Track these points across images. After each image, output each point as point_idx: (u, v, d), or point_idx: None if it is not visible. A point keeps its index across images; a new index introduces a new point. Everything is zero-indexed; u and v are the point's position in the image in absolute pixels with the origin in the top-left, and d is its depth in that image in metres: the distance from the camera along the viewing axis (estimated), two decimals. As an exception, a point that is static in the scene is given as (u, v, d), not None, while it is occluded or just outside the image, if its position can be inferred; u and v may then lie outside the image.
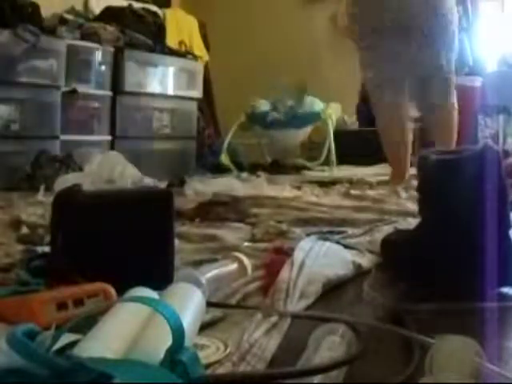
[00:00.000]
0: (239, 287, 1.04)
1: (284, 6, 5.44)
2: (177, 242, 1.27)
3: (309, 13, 5.36)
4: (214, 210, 1.96)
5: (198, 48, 4.91)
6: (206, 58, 5.00)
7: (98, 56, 3.78)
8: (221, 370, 0.68)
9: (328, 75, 5.21)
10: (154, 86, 4.17)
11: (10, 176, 3.14)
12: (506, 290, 1.05)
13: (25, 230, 1.70)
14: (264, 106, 4.37)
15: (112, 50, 3.84)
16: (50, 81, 3.45)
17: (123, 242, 1.02)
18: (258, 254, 1.31)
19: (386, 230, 1.55)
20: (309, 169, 4.39)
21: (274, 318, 0.86)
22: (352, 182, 3.18)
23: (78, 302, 0.83)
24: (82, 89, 3.62)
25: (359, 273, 1.20)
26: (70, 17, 3.87)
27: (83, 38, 3.74)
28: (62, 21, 3.74)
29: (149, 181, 2.84)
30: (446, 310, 0.94)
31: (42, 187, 2.66)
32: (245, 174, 3.75)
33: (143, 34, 4.16)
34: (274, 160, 4.58)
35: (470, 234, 1.04)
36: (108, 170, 2.67)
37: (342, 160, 4.22)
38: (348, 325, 0.73)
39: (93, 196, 1.12)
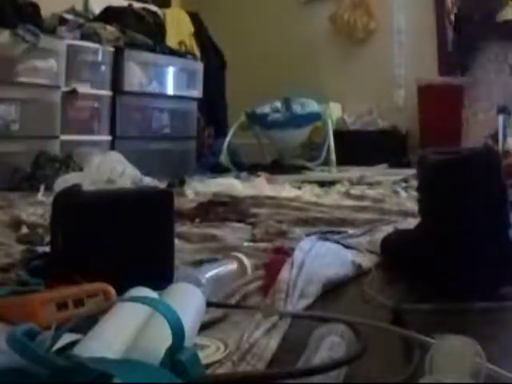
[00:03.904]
0: (239, 287, 1.04)
1: (284, 6, 5.44)
2: (177, 241, 1.27)
3: (309, 13, 5.36)
4: (214, 210, 1.96)
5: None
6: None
7: (98, 56, 3.78)
8: (221, 370, 0.68)
9: (328, 75, 5.21)
10: (153, 86, 4.17)
11: (10, 176, 3.14)
12: (506, 289, 1.05)
13: (25, 229, 1.70)
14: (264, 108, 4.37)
15: (112, 49, 3.84)
16: (49, 81, 3.45)
17: (123, 242, 1.02)
18: (258, 254, 1.31)
19: (386, 230, 1.55)
20: (309, 169, 4.39)
21: (273, 318, 0.86)
22: (352, 182, 3.18)
23: (78, 302, 0.83)
24: (81, 89, 3.62)
25: (359, 273, 1.20)
26: (70, 17, 3.87)
27: (83, 38, 3.74)
28: (62, 21, 3.74)
29: (149, 181, 2.84)
30: (445, 310, 0.94)
31: (42, 187, 2.66)
32: (244, 174, 3.75)
33: (143, 33, 4.16)
34: (274, 160, 4.58)
35: (470, 234, 1.04)
36: (108, 170, 2.67)
37: (342, 160, 4.23)
38: (348, 325, 0.73)
39: (93, 196, 1.12)
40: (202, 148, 4.63)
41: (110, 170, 2.67)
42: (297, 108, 4.33)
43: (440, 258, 1.07)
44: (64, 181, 2.33)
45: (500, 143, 4.36)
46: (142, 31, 4.18)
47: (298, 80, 4.98)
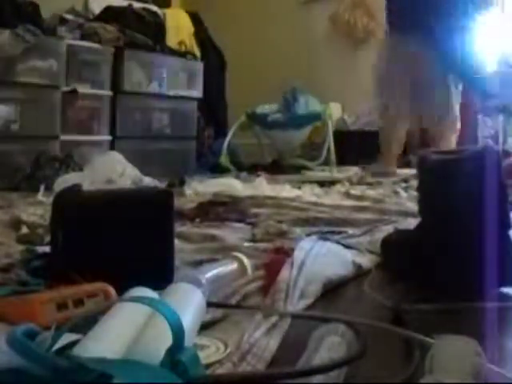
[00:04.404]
0: (239, 287, 1.04)
1: (284, 6, 5.44)
2: (177, 241, 1.27)
3: (309, 13, 5.36)
4: (214, 210, 1.96)
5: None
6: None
7: (98, 56, 3.78)
8: (221, 370, 0.68)
9: (328, 75, 5.21)
10: (153, 86, 4.17)
11: (10, 176, 3.14)
12: (506, 290, 1.05)
13: (25, 229, 1.70)
14: (264, 108, 4.37)
15: (112, 49, 3.84)
16: (49, 81, 3.45)
17: (123, 242, 1.02)
18: (257, 254, 1.31)
19: (386, 230, 1.55)
20: (309, 169, 4.38)
21: (274, 318, 0.86)
22: (352, 182, 3.18)
23: (78, 302, 0.83)
24: (81, 89, 3.62)
25: (359, 273, 1.20)
26: (70, 17, 3.87)
27: (83, 38, 3.74)
28: (62, 21, 3.74)
29: (149, 181, 2.84)
30: (445, 310, 0.94)
31: (42, 187, 2.66)
32: (244, 174, 3.75)
33: (143, 33, 4.16)
34: (274, 160, 4.58)
35: (470, 234, 1.04)
36: (108, 170, 2.67)
37: (342, 160, 4.22)
38: (348, 325, 0.73)
39: (93, 196, 1.12)
40: (202, 148, 4.63)
41: (110, 170, 2.67)
42: (297, 107, 4.32)
43: (440, 257, 1.07)
44: (64, 181, 2.33)
45: (500, 143, 4.36)
46: (142, 31, 4.18)
47: (298, 80, 4.98)
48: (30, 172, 3.13)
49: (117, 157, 2.89)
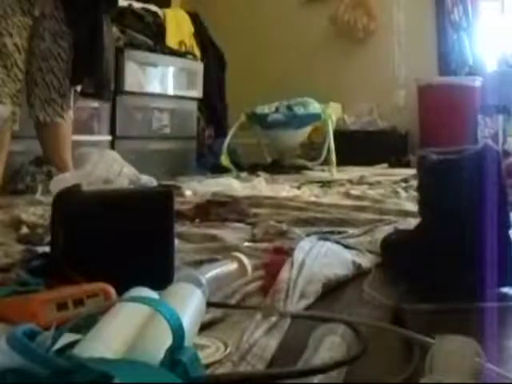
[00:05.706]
0: (239, 287, 1.04)
1: (284, 6, 5.44)
2: (177, 242, 1.27)
3: (309, 13, 5.36)
4: (214, 210, 1.96)
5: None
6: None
7: (98, 56, 3.77)
8: (221, 370, 0.68)
9: (328, 75, 5.21)
10: (154, 86, 4.17)
11: (10, 176, 3.14)
12: (506, 290, 1.05)
13: (25, 230, 1.70)
14: (264, 108, 4.36)
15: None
16: (49, 81, 3.44)
17: (123, 242, 1.02)
18: (257, 254, 1.31)
19: (386, 230, 1.54)
20: (309, 169, 4.38)
21: (274, 318, 0.86)
22: (352, 182, 3.18)
23: (78, 302, 0.83)
24: (82, 89, 3.62)
25: (359, 273, 1.20)
26: (70, 17, 3.86)
27: (83, 37, 3.73)
28: (62, 21, 3.73)
29: (146, 179, 2.83)
30: (446, 310, 0.94)
31: (41, 187, 2.66)
32: (244, 174, 3.75)
33: (143, 34, 4.16)
34: (274, 160, 4.58)
35: (470, 234, 1.04)
36: (105, 169, 2.67)
37: (342, 160, 4.22)
38: (348, 325, 0.73)
39: (93, 196, 1.12)
40: (202, 148, 4.62)
41: (106, 169, 2.67)
42: (298, 109, 4.33)
43: (440, 257, 1.07)
44: (60, 180, 2.32)
45: (500, 143, 4.36)
46: (142, 31, 4.18)
47: (298, 80, 4.98)
48: (30, 172, 3.13)
49: (114, 156, 2.89)
